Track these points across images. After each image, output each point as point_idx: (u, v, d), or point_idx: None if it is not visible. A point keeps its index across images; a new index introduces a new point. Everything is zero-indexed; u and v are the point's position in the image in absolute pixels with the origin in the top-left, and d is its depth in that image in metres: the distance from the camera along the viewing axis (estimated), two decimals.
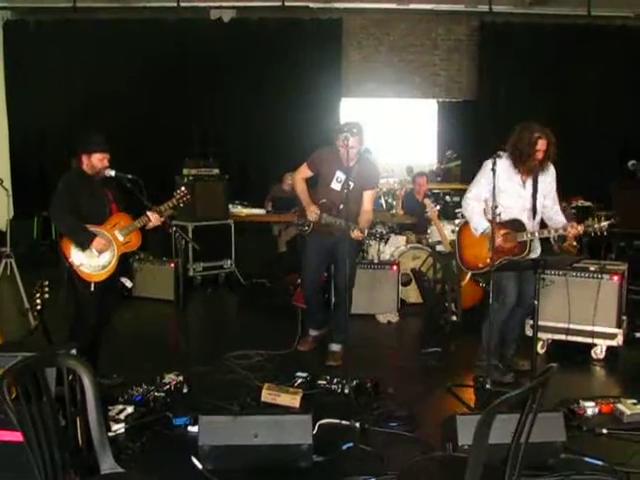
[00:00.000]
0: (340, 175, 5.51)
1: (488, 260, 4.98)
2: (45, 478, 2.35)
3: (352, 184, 5.30)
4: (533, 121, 5.04)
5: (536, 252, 5.13)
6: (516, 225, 5.05)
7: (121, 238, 4.91)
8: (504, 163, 4.96)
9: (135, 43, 10.98)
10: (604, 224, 4.85)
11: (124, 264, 5.17)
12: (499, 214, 4.82)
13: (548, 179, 5.16)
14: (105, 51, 10.69)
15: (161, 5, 11.08)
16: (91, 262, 4.81)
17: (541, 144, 4.91)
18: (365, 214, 5.56)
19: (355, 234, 5.24)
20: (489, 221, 4.89)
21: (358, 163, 5.44)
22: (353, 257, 5.70)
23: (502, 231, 5.00)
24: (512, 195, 5.03)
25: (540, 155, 4.93)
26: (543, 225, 5.20)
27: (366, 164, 5.64)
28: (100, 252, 4.80)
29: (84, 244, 4.75)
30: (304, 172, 5.76)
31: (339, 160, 5.45)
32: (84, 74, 10.68)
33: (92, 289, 4.79)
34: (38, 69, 11.01)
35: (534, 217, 5.14)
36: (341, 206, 5.39)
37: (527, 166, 4.98)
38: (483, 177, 5.05)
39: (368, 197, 5.61)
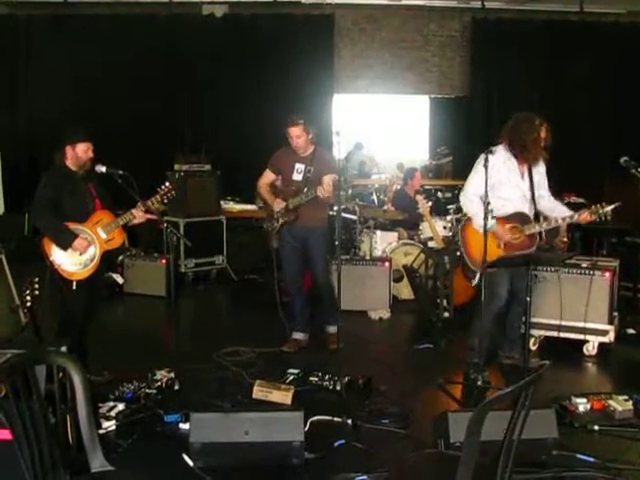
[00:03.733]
0: (299, 166, 5.73)
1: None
2: (35, 476, 2.34)
3: (312, 168, 5.61)
4: (525, 112, 5.05)
5: None
6: (521, 218, 5.04)
7: (104, 235, 4.86)
8: (503, 156, 4.95)
9: (127, 38, 10.90)
10: (608, 209, 4.92)
11: (107, 261, 5.12)
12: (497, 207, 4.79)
13: (540, 169, 5.18)
14: (96, 46, 10.60)
15: (153, 0, 11.04)
16: (73, 260, 4.77)
17: (544, 131, 4.93)
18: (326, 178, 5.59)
19: (320, 190, 5.36)
20: (486, 217, 4.88)
21: (314, 153, 5.70)
22: (324, 249, 5.87)
23: (508, 225, 4.98)
24: (513, 187, 5.01)
25: (543, 143, 4.95)
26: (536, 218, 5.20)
27: (323, 153, 5.82)
28: (81, 252, 4.78)
29: (64, 245, 4.72)
30: (267, 177, 5.96)
31: (295, 154, 5.74)
32: (75, 69, 10.59)
33: (74, 287, 4.76)
34: (28, 64, 10.93)
35: (534, 208, 5.15)
36: (305, 189, 5.57)
37: (533, 154, 4.96)
38: (482, 172, 5.01)
39: (327, 178, 5.56)
